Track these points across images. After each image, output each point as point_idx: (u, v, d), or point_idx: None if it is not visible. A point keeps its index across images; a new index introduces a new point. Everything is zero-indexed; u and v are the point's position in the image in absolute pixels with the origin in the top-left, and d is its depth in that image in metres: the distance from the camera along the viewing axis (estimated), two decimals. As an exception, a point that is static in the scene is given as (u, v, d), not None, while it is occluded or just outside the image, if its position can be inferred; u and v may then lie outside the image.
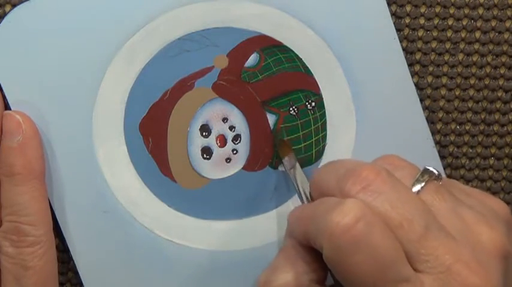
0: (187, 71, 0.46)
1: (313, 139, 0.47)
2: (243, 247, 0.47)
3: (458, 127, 0.48)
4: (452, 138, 0.49)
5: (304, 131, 0.47)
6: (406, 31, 0.47)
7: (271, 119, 0.47)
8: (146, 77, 0.45)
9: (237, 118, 0.46)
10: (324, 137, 0.47)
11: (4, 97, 0.44)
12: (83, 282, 0.46)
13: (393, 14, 0.47)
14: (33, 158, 0.43)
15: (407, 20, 0.47)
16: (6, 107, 0.44)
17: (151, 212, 0.46)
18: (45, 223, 0.43)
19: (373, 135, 0.47)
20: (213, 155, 0.46)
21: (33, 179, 0.43)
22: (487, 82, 0.48)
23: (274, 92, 0.46)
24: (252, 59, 0.46)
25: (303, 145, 0.47)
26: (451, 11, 0.48)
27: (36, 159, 0.43)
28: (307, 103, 0.47)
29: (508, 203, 0.49)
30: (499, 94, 0.48)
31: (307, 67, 0.46)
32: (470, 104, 0.48)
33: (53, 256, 0.44)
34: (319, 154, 0.47)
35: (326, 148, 0.47)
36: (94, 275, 0.46)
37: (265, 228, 0.47)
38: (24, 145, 0.43)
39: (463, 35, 0.48)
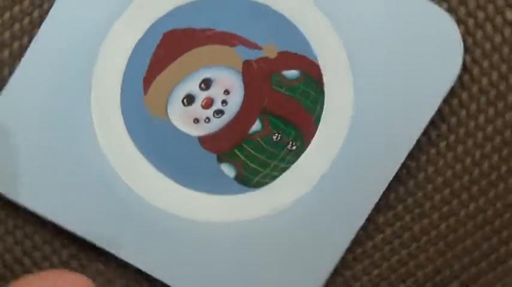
0: (227, 26, 0.46)
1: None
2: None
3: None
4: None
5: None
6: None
7: (256, 126, 0.47)
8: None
9: (236, 99, 0.47)
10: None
11: None
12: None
13: None
14: None
15: None
16: None
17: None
18: None
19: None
20: (190, 107, 0.47)
21: None
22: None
23: (279, 112, 0.47)
24: (292, 74, 0.47)
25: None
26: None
27: None
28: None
29: None
30: None
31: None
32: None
33: None
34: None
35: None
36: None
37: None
38: None
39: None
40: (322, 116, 0.47)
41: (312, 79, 0.47)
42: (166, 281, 0.47)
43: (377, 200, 0.47)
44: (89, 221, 0.46)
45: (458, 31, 0.46)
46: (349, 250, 0.48)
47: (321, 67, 0.47)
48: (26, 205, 0.46)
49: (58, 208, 0.46)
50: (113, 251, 0.46)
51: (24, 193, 0.46)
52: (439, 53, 0.47)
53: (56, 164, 0.46)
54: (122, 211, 0.47)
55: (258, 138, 0.47)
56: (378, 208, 0.48)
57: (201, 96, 0.47)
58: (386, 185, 0.47)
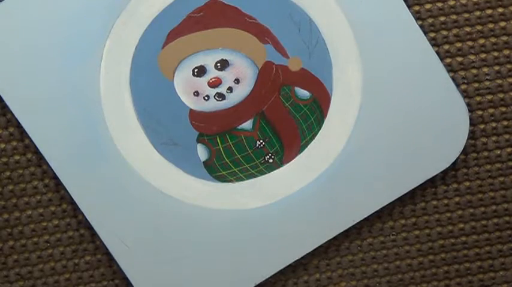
0: (269, 22, 0.46)
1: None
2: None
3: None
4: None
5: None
6: None
7: (247, 124, 0.47)
8: None
9: (242, 91, 0.46)
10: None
11: None
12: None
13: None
14: None
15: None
16: None
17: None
18: None
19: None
20: (197, 78, 0.46)
21: None
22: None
23: (274, 123, 0.47)
24: (303, 93, 0.47)
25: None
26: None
27: None
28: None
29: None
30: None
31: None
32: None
33: None
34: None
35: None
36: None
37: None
38: None
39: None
40: (310, 145, 0.47)
41: (319, 107, 0.47)
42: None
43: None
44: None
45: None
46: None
47: (332, 100, 0.47)
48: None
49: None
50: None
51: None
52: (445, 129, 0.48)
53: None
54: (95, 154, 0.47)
55: (243, 137, 0.47)
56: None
57: (212, 73, 0.46)
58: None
